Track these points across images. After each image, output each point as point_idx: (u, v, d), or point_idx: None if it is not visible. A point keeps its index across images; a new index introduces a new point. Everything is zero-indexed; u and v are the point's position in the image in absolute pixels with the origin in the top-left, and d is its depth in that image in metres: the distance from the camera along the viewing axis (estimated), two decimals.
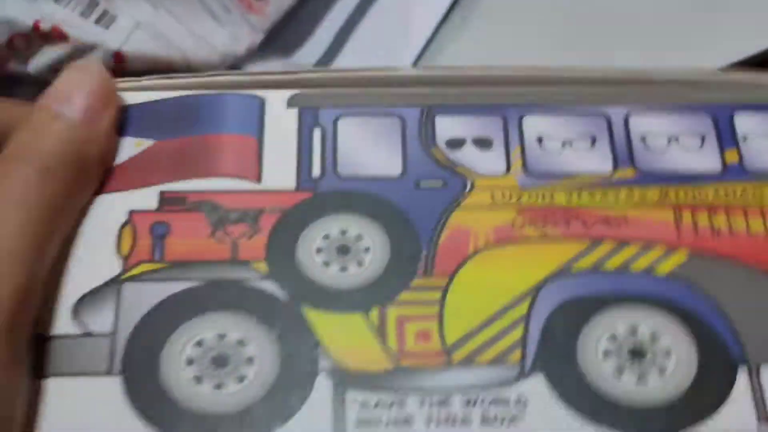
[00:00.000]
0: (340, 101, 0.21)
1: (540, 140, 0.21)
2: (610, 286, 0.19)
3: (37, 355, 0.18)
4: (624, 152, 0.21)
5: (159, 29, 0.31)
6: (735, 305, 0.19)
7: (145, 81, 0.22)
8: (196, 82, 0.22)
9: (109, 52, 0.31)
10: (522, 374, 0.18)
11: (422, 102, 0.21)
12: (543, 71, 0.22)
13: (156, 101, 0.21)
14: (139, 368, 0.18)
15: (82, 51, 0.31)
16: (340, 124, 0.21)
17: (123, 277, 0.19)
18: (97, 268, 0.19)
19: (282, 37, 0.36)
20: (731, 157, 0.21)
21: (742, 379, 0.18)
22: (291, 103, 0.21)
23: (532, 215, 0.20)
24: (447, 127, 0.21)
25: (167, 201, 0.20)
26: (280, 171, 0.21)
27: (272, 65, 0.35)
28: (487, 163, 0.21)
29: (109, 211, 0.20)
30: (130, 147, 0.21)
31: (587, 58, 0.33)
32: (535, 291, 0.19)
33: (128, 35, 0.31)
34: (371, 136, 0.21)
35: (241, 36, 0.33)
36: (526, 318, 0.19)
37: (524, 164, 0.21)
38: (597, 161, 0.21)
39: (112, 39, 0.31)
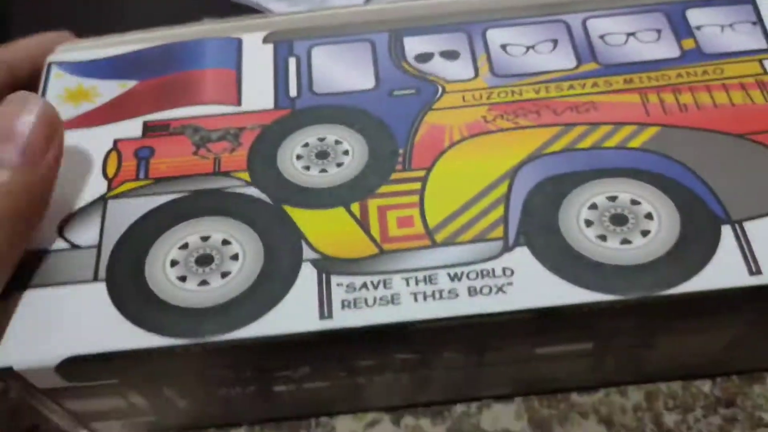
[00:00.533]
0: (313, 33, 0.22)
1: (504, 47, 0.22)
2: (586, 162, 0.19)
3: (25, 269, 0.18)
4: (585, 50, 0.21)
5: None
6: (711, 169, 0.19)
7: (126, 35, 0.23)
8: (177, 32, 0.23)
9: None
10: (506, 248, 0.18)
11: (390, 28, 0.22)
12: None
13: (139, 50, 0.22)
14: (124, 273, 0.18)
15: None
16: (314, 52, 0.22)
17: (108, 195, 0.19)
18: (84, 190, 0.20)
19: None
20: (688, 44, 0.21)
21: (727, 237, 0.18)
22: (267, 39, 0.22)
23: (503, 109, 0.20)
24: (415, 45, 0.22)
25: (151, 129, 0.21)
26: (258, 95, 0.21)
27: None
28: (455, 70, 0.21)
29: (95, 142, 0.20)
30: (114, 88, 0.22)
31: None
32: (513, 173, 0.19)
33: None
34: (344, 59, 0.22)
35: None
36: (506, 198, 0.19)
37: (491, 68, 0.21)
38: (560, 60, 0.21)
39: None
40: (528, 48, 0.22)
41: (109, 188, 0.20)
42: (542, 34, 0.22)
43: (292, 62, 0.22)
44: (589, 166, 0.19)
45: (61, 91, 0.22)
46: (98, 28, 0.23)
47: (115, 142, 0.20)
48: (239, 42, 0.22)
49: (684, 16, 0.22)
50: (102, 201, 0.19)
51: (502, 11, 0.22)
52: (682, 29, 0.21)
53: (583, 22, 0.22)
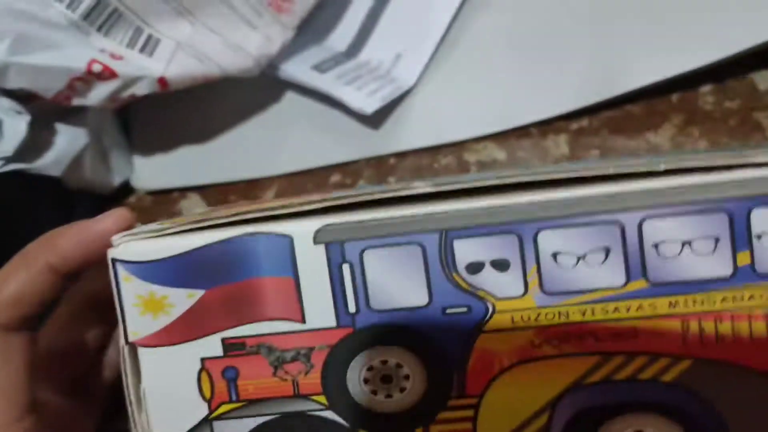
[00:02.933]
0: (362, 234, 0.21)
1: (555, 256, 0.21)
2: (619, 395, 0.21)
3: None
4: (636, 264, 0.21)
5: (197, 47, 0.32)
6: (732, 408, 0.20)
7: (179, 227, 0.22)
8: (231, 218, 0.22)
9: (153, 80, 0.33)
10: None
11: (438, 225, 0.21)
12: (557, 172, 0.21)
13: (196, 250, 0.22)
14: None
15: (130, 83, 0.33)
16: (366, 257, 0.21)
17: (211, 416, 0.22)
18: (187, 411, 0.22)
19: (310, 28, 0.37)
20: (743, 259, 0.20)
21: None
22: (316, 239, 0.21)
23: (549, 334, 0.21)
24: (465, 251, 0.21)
25: (229, 347, 0.22)
26: (320, 310, 0.22)
27: (306, 55, 0.36)
28: (505, 285, 0.21)
29: (183, 360, 0.22)
30: (183, 298, 0.22)
31: (598, 29, 0.33)
32: (553, 404, 0.21)
33: (170, 59, 0.32)
34: (396, 266, 0.21)
35: (274, 37, 0.33)
36: (546, 428, 0.21)
37: (540, 284, 0.21)
38: (610, 276, 0.21)
39: (156, 67, 0.32)
40: (579, 258, 0.21)
41: (210, 410, 0.22)
42: (595, 239, 0.21)
43: (346, 271, 0.21)
44: (622, 398, 0.21)
45: (136, 300, 0.22)
46: None
47: (202, 361, 0.22)
48: (291, 242, 0.22)
49: (748, 219, 0.20)
50: (208, 424, 0.22)
51: (555, 206, 0.21)
52: (741, 238, 0.20)
53: (639, 225, 0.20)
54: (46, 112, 0.35)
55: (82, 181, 0.37)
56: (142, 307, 0.22)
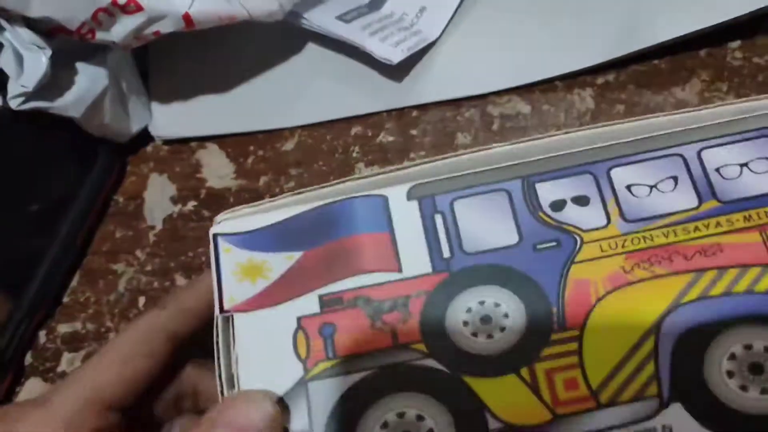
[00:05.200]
0: (451, 186, 0.22)
1: (629, 188, 0.22)
2: (720, 310, 0.20)
3: None
4: (705, 187, 0.22)
5: None
6: None
7: (279, 200, 0.23)
8: (320, 193, 0.23)
9: (178, 16, 0.31)
10: (662, 405, 0.19)
11: (520, 173, 0.22)
12: (619, 123, 0.23)
13: (293, 217, 0.23)
14: None
15: (155, 18, 0.31)
16: (456, 206, 0.22)
17: (307, 377, 0.21)
18: (283, 373, 0.21)
19: None
20: None
21: None
22: (410, 196, 0.22)
23: (638, 258, 0.21)
24: (547, 192, 0.22)
25: (327, 303, 0.21)
26: (415, 258, 0.22)
27: (331, 4, 0.35)
28: (589, 218, 0.22)
29: (280, 321, 0.21)
30: (282, 261, 0.22)
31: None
32: (657, 326, 0.20)
33: None
34: (486, 212, 0.22)
35: None
36: (655, 353, 0.20)
37: (621, 213, 0.22)
38: (683, 200, 0.22)
39: (181, 2, 0.31)
40: (651, 188, 0.22)
41: (305, 370, 0.21)
42: (662, 170, 0.22)
43: (438, 220, 0.22)
44: (724, 314, 0.20)
45: (235, 267, 0.22)
46: None
47: (299, 320, 0.21)
48: (385, 201, 0.22)
49: None
50: (303, 385, 0.21)
51: (619, 147, 0.22)
52: None
53: (698, 154, 0.22)
54: (68, 50, 0.33)
55: (101, 126, 0.35)
56: (241, 275, 0.22)
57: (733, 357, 0.20)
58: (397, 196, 0.22)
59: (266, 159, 0.36)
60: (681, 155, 0.22)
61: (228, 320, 0.22)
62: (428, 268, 0.22)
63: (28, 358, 0.34)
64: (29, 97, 0.32)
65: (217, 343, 0.21)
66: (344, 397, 0.20)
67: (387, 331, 0.21)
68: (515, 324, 0.21)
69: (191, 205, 0.36)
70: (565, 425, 0.20)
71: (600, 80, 0.34)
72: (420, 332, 0.21)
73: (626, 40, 0.33)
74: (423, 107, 0.35)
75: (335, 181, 0.23)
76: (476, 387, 0.20)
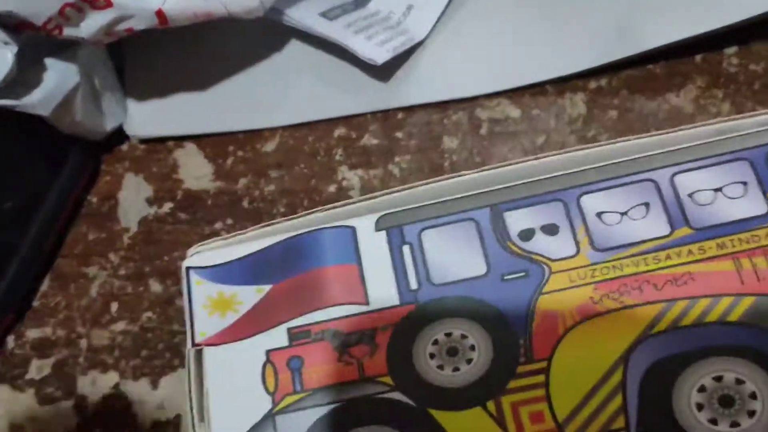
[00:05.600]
0: (419, 216, 0.22)
1: (599, 216, 0.21)
2: (690, 341, 0.20)
3: None
4: (677, 213, 0.21)
5: None
6: None
7: (250, 232, 0.23)
8: (289, 224, 0.23)
9: (151, 13, 0.29)
10: None
11: (488, 201, 0.22)
12: (591, 148, 0.22)
13: (264, 249, 0.23)
14: None
15: (127, 15, 0.30)
16: (424, 237, 0.22)
17: (275, 411, 0.21)
18: (251, 406, 0.21)
19: None
20: None
21: None
22: (378, 226, 0.22)
23: (607, 288, 0.21)
24: (515, 220, 0.22)
25: (295, 336, 0.21)
26: (383, 290, 0.22)
27: (314, 1, 0.33)
28: (558, 247, 0.21)
29: (248, 355, 0.21)
30: (252, 294, 0.22)
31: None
32: (625, 358, 0.20)
33: None
34: (453, 242, 0.22)
35: None
36: (623, 385, 0.19)
37: (591, 242, 0.21)
38: (655, 227, 0.21)
39: None
40: (622, 215, 0.21)
41: (273, 403, 0.21)
42: (634, 196, 0.21)
43: (406, 251, 0.22)
44: (694, 345, 0.20)
45: (206, 301, 0.22)
46: None
47: (267, 353, 0.21)
48: (353, 232, 0.22)
49: (767, 163, 0.21)
50: (271, 418, 0.21)
51: (590, 173, 0.22)
52: (765, 179, 0.21)
53: (671, 179, 0.21)
54: (35, 46, 0.31)
55: (73, 123, 0.33)
56: (212, 308, 0.22)
57: (703, 389, 0.19)
58: (365, 226, 0.22)
59: (246, 160, 0.34)
60: (653, 180, 0.22)
61: (199, 353, 0.22)
62: (395, 300, 0.21)
63: None
64: None
65: (189, 376, 0.22)
66: (311, 430, 0.20)
67: (354, 364, 0.21)
68: (482, 356, 0.21)
69: (167, 207, 0.34)
70: None
71: (593, 85, 0.33)
72: (386, 365, 0.21)
73: (619, 45, 0.32)
74: (409, 109, 0.34)
75: (304, 213, 0.23)
76: (442, 420, 0.20)
